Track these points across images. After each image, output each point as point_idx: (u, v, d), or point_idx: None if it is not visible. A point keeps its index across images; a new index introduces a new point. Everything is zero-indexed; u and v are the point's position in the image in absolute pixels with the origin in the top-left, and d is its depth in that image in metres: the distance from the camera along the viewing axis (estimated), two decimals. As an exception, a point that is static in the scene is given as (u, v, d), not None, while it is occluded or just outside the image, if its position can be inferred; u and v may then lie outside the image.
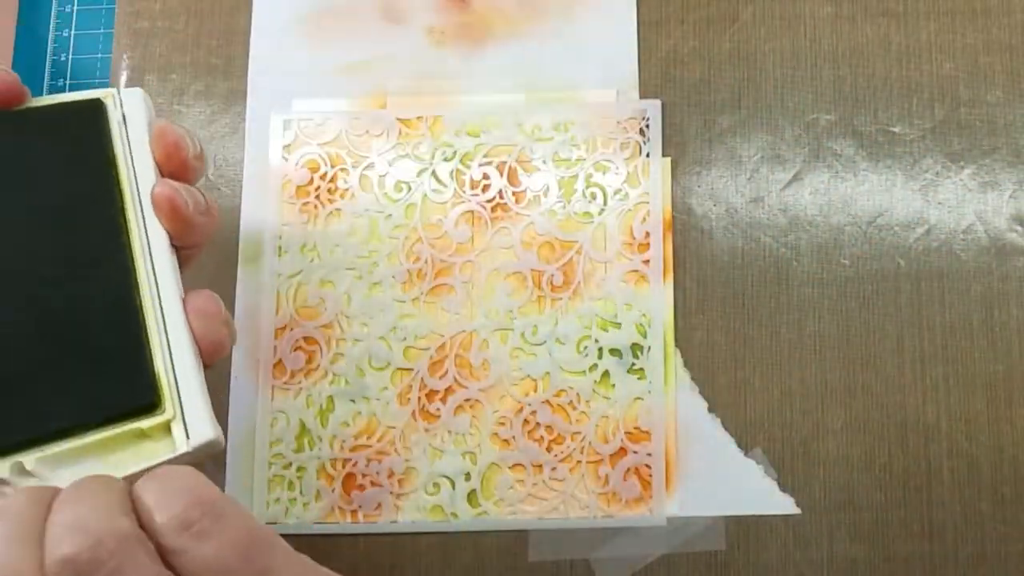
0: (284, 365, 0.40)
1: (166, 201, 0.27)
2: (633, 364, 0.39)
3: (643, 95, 0.41)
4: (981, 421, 0.39)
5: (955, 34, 0.41)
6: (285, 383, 0.39)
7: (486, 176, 0.41)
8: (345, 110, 0.42)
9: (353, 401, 0.39)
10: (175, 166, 0.28)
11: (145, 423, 0.24)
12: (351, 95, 0.42)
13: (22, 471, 0.23)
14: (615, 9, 0.42)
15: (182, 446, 0.24)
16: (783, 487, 0.38)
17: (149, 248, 0.26)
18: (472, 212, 0.40)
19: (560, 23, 0.42)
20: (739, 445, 0.39)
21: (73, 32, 0.45)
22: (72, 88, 0.44)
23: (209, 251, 0.41)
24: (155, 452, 0.24)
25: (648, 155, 0.40)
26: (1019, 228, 0.40)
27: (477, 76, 0.42)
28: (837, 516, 0.38)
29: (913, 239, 0.40)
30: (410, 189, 0.41)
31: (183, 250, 0.29)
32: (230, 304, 0.40)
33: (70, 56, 0.44)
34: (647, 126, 0.41)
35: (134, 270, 0.25)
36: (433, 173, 0.41)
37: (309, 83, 0.42)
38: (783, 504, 0.38)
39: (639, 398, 0.39)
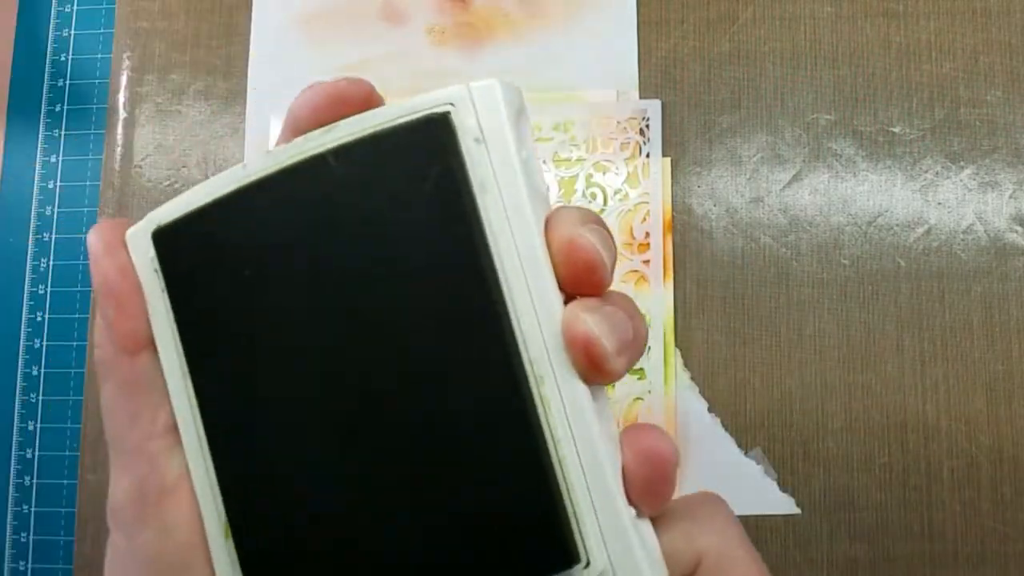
0: (284, 365, 0.39)
1: (581, 348, 0.18)
2: (633, 364, 0.39)
3: (643, 95, 0.41)
4: (981, 421, 0.39)
5: (955, 34, 0.41)
6: (285, 383, 0.39)
7: (486, 176, 0.40)
8: (345, 110, 0.42)
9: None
10: (583, 289, 0.20)
11: None
12: (351, 95, 0.42)
13: None
14: (615, 9, 0.42)
15: None
16: (783, 487, 0.38)
17: (543, 337, 0.18)
18: (472, 212, 0.40)
19: (560, 23, 0.42)
20: (739, 445, 0.39)
21: (73, 32, 0.45)
22: (72, 88, 0.44)
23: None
24: None
25: (648, 155, 0.40)
26: (1019, 228, 0.40)
27: (477, 76, 0.42)
28: (837, 516, 0.38)
29: (913, 239, 0.40)
30: (410, 189, 0.41)
31: None
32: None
33: (70, 56, 0.44)
34: (647, 126, 0.41)
35: (522, 366, 0.18)
36: (433, 173, 0.41)
37: (309, 83, 0.42)
38: (783, 504, 0.38)
39: (639, 398, 0.39)
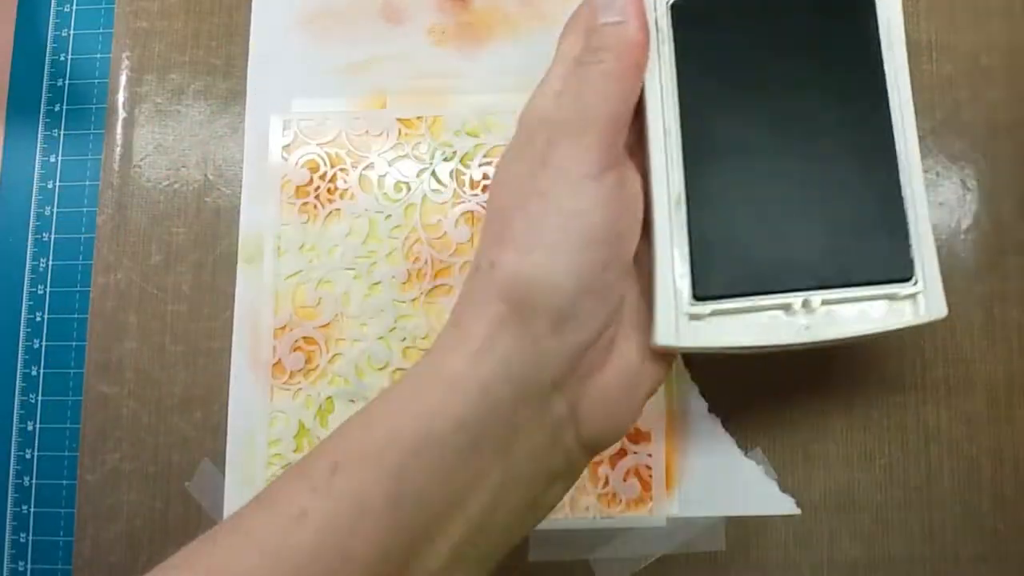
0: (283, 365, 0.40)
1: None
2: (633, 364, 0.39)
3: (643, 95, 0.41)
4: (981, 421, 0.39)
5: (955, 34, 0.41)
6: (284, 383, 0.39)
7: (486, 176, 0.41)
8: (345, 110, 0.42)
9: (352, 401, 0.39)
10: None
11: (900, 290, 0.28)
12: (351, 95, 0.42)
13: (809, 307, 0.28)
14: (615, 9, 0.42)
15: (922, 316, 0.29)
16: (783, 487, 0.38)
17: (905, 137, 0.29)
18: (472, 212, 0.40)
19: (560, 23, 0.42)
20: (739, 445, 0.39)
21: (73, 32, 0.45)
22: (71, 88, 0.44)
23: (209, 251, 0.41)
24: (898, 316, 0.28)
25: (648, 155, 0.41)
26: (1019, 228, 0.40)
27: (477, 76, 0.42)
28: (837, 516, 0.38)
29: (913, 239, 0.40)
30: (410, 189, 0.41)
31: None
32: (230, 304, 0.40)
33: (69, 56, 0.44)
34: (647, 126, 0.41)
35: (896, 153, 0.29)
36: (433, 173, 0.41)
37: (309, 83, 0.42)
38: (783, 504, 0.38)
39: (639, 398, 0.39)
